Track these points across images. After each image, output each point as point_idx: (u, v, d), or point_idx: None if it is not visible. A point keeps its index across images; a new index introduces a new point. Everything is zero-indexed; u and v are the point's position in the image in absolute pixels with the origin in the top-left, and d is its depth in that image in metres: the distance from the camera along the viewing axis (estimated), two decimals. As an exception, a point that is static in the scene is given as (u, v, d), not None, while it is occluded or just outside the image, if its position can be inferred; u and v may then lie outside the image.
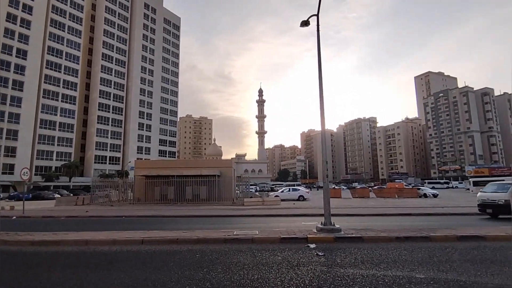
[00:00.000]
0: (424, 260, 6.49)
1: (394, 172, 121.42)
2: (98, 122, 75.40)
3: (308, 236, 8.85)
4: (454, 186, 70.87)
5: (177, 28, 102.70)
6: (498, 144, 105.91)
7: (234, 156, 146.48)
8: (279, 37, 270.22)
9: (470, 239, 8.75)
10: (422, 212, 17.79)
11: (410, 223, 12.72)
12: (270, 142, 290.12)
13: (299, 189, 33.72)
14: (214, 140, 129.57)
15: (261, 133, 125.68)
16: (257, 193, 35.66)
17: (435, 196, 34.17)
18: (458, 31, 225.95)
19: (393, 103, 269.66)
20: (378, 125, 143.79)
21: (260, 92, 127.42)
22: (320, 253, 7.12)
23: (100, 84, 76.99)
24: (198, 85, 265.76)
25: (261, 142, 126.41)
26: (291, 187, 36.52)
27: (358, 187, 61.42)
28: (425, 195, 34.46)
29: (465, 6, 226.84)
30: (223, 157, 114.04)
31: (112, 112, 79.19)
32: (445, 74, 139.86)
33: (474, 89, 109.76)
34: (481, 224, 12.68)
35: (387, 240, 8.73)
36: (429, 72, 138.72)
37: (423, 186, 52.27)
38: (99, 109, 75.94)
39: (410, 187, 48.49)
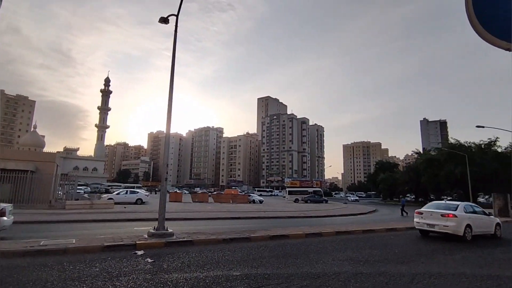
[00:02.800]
0: (242, 259, 7.34)
1: (232, 180, 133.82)
2: None
3: (137, 242, 8.30)
4: (275, 194, 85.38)
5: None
6: (308, 162, 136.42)
7: (62, 149, 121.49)
8: (138, 28, 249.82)
9: (278, 238, 10.65)
10: (249, 216, 20.27)
11: (237, 226, 14.20)
12: (112, 139, 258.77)
13: (137, 192, 31.50)
14: (35, 127, 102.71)
15: (102, 127, 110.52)
16: (86, 195, 30.75)
17: (261, 202, 39.91)
18: (292, 69, 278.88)
19: (239, 117, 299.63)
20: (224, 135, 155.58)
21: (107, 81, 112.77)
22: (149, 260, 6.81)
23: None
24: (21, 54, 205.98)
25: (101, 137, 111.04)
26: (129, 189, 33.64)
27: (199, 192, 63.81)
28: (253, 201, 39.65)
29: (298, 51, 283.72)
30: (46, 150, 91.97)
31: None
32: (280, 100, 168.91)
33: (297, 117, 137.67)
34: (287, 224, 15.69)
35: (215, 242, 9.37)
36: (269, 96, 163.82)
37: (253, 193, 60.11)
38: None
39: (243, 193, 54.67)
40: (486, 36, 1.58)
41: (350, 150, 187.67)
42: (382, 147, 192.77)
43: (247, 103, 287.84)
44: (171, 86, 10.18)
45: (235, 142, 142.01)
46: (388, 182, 61.86)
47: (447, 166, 45.00)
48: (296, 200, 48.92)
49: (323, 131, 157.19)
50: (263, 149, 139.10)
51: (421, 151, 65.24)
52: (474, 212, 12.47)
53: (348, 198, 62.27)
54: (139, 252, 7.59)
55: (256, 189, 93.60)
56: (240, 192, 58.61)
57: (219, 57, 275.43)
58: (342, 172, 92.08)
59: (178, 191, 58.05)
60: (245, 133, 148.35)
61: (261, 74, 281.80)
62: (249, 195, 44.18)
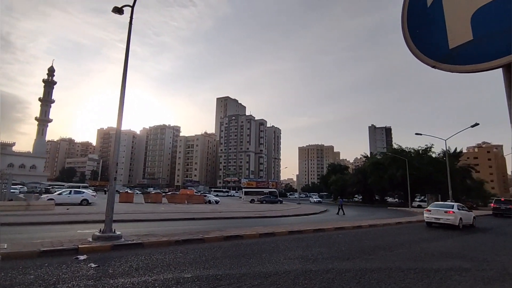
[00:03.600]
0: (194, 260, 7.21)
1: (188, 180, 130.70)
2: None
3: (79, 246, 7.71)
4: (232, 195, 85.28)
5: None
6: (264, 163, 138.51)
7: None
8: (90, 15, 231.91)
9: (233, 238, 10.66)
10: (204, 216, 19.97)
11: (192, 227, 13.92)
12: (55, 134, 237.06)
13: (83, 192, 29.22)
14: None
15: (43, 120, 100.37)
16: (21, 195, 27.76)
17: (217, 202, 39.56)
18: (252, 70, 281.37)
19: (197, 116, 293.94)
20: (181, 134, 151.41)
21: (51, 71, 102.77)
22: (92, 265, 6.37)
23: None
24: None
25: (42, 132, 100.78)
26: (73, 189, 31.06)
27: (153, 192, 61.32)
28: (209, 202, 39.16)
29: (257, 53, 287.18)
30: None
31: None
32: (239, 101, 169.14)
33: (256, 118, 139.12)
34: (242, 225, 15.77)
35: (167, 244, 9.07)
36: (228, 97, 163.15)
37: (209, 193, 59.36)
38: None
39: (199, 194, 53.69)
40: (416, 52, 1.77)
41: (305, 153, 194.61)
42: (335, 150, 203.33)
43: (205, 103, 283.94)
44: (124, 80, 9.66)
45: (192, 142, 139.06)
46: (338, 183, 65.25)
47: (391, 169, 48.94)
48: (252, 201, 49.36)
49: (280, 133, 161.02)
50: (221, 149, 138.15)
51: (369, 155, 70.06)
52: (462, 209, 17.86)
53: (311, 199, 63.65)
54: (82, 257, 7.06)
55: (213, 189, 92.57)
56: (196, 192, 57.45)
57: (178, 53, 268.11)
58: (297, 173, 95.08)
59: (129, 191, 55.22)
60: (203, 133, 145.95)
61: (221, 73, 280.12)
62: (205, 196, 43.54)
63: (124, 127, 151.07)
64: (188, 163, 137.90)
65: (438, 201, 27.49)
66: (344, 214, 27.29)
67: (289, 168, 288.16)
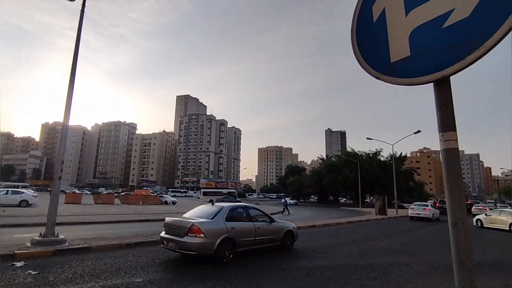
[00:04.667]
0: (147, 264, 6.93)
1: (144, 180, 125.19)
2: None
3: (16, 252, 7.00)
4: (190, 195, 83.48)
5: None
6: (224, 164, 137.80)
7: None
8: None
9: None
10: (160, 218, 19.19)
11: (146, 229, 13.34)
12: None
13: (22, 192, 26.50)
14: None
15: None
16: None
17: (174, 203, 38.43)
18: (214, 70, 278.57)
19: (155, 114, 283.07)
20: (137, 132, 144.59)
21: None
22: (31, 272, 5.81)
23: None
24: None
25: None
26: (10, 189, 28.02)
27: (104, 192, 57.66)
28: (166, 202, 37.90)
29: (220, 53, 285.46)
30: None
31: None
32: (200, 100, 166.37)
33: (216, 118, 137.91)
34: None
35: (117, 247, 8.60)
36: (188, 95, 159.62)
37: (167, 194, 57.46)
38: None
39: (155, 194, 51.74)
40: (362, 63, 1.90)
41: (265, 154, 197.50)
42: (293, 152, 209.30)
43: (165, 100, 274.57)
44: (73, 71, 8.96)
45: (150, 140, 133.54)
46: (296, 184, 67.20)
47: (344, 171, 51.67)
48: (211, 201, 48.57)
49: (241, 134, 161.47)
50: (180, 149, 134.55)
51: (325, 158, 73.16)
52: (434, 207, 26.74)
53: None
54: (19, 264, 6.42)
55: (170, 189, 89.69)
56: (152, 192, 55.28)
57: (136, 47, 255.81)
58: (256, 174, 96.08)
59: (77, 191, 51.50)
60: (161, 131, 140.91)
61: (182, 71, 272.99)
62: (162, 196, 42.09)
63: (73, 122, 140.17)
64: (144, 162, 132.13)
65: (385, 202, 29.67)
66: (289, 213, 27.88)
67: (249, 169, 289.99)
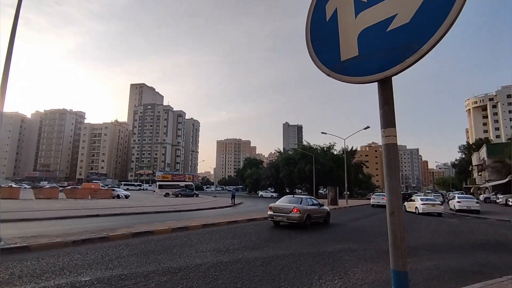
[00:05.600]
0: (95, 261, 6.55)
1: (93, 172, 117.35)
2: None
3: None
4: (145, 188, 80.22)
5: None
6: (181, 156, 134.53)
7: None
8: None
9: (142, 234, 10.08)
10: (111, 212, 18.25)
11: (95, 225, 12.56)
12: None
13: None
14: None
15: None
16: None
17: (126, 197, 36.63)
18: (173, 59, 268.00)
19: (107, 102, 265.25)
20: (86, 121, 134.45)
21: None
22: (-47, 277, 5.16)
23: None
24: None
25: None
26: None
27: (47, 186, 52.89)
28: (118, 196, 35.99)
29: (179, 42, 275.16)
30: None
31: None
32: (156, 90, 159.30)
33: (174, 109, 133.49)
34: (155, 220, 15.03)
35: (61, 245, 8.00)
36: (144, 84, 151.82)
37: (119, 187, 54.54)
38: None
39: (106, 188, 48.80)
40: (315, 59, 1.97)
41: (223, 146, 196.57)
42: (251, 145, 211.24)
43: (118, 88, 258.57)
44: (10, 52, 7.99)
45: (100, 130, 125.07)
46: (254, 177, 68.09)
47: (300, 164, 53.57)
48: (167, 194, 47.47)
49: (199, 126, 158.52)
50: (134, 140, 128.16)
51: (282, 151, 74.97)
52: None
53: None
54: None
55: (123, 182, 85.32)
56: (102, 186, 51.94)
57: (85, 29, 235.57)
58: (214, 166, 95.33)
59: (14, 185, 46.77)
60: (113, 121, 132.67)
61: (137, 58, 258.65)
62: (113, 190, 39.86)
63: (9, 108, 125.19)
64: (94, 154, 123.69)
65: (337, 193, 31.41)
66: (234, 204, 29.54)
67: (207, 161, 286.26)
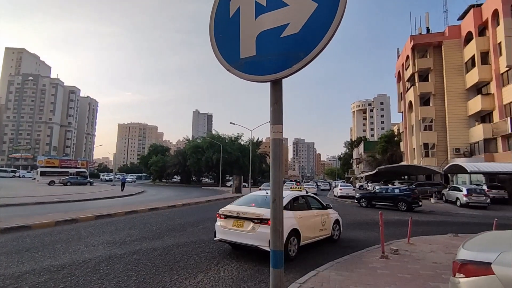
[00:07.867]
0: None
1: None
2: None
3: None
4: (22, 175, 67.09)
5: None
6: (73, 139, 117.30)
7: None
8: None
9: (14, 230, 8.50)
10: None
11: None
12: None
13: None
14: None
15: None
16: None
17: (-6, 186, 29.88)
18: (68, 24, 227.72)
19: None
20: None
21: None
22: None
23: None
24: None
25: None
26: None
27: None
28: (-20, 185, 29.06)
29: (79, 4, 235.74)
30: None
31: None
32: (41, 59, 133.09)
33: (65, 84, 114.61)
34: (33, 213, 12.80)
35: None
36: (24, 49, 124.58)
37: (-18, 174, 44.03)
38: None
39: (-38, 175, 38.75)
40: (217, 54, 2.04)
41: (126, 130, 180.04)
42: (158, 131, 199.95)
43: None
44: None
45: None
46: (159, 164, 64.78)
47: (208, 153, 53.65)
48: (52, 183, 40.75)
49: (97, 106, 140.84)
50: (8, 116, 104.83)
51: (191, 138, 73.42)
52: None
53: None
54: None
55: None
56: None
57: None
58: (115, 152, 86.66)
59: None
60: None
61: (17, 16, 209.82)
62: (-27, 177, 31.94)
63: None
64: None
65: (241, 182, 32.78)
66: (122, 190, 29.28)
67: (106, 146, 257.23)
